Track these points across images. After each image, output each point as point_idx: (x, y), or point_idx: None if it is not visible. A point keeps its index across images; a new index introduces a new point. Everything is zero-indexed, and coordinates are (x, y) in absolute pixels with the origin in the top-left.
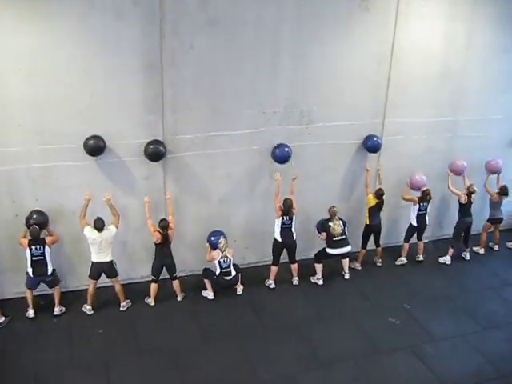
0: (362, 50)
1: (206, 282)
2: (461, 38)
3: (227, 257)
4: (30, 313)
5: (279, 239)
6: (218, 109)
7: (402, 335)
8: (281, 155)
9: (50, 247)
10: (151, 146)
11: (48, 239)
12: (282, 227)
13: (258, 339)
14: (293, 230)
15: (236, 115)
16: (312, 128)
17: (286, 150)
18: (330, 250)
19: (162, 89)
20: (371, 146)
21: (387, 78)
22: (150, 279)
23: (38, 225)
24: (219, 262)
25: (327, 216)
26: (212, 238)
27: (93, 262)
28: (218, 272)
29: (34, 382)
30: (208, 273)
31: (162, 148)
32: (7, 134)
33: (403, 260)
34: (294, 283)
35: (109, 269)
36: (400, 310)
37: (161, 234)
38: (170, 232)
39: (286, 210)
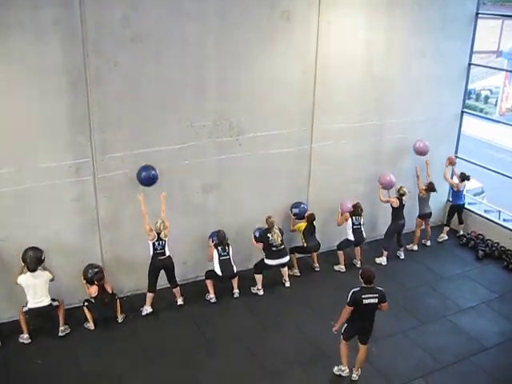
0: (287, 59)
1: (149, 296)
2: (381, 44)
3: (163, 240)
4: None
5: (219, 273)
6: (146, 125)
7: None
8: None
9: None
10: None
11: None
12: (219, 259)
13: (202, 354)
14: (232, 261)
15: (165, 131)
16: (242, 139)
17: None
18: (268, 261)
19: (89, 108)
20: (299, 212)
21: (313, 86)
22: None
23: None
24: (154, 243)
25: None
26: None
27: (30, 309)
28: (151, 253)
29: None
30: (152, 281)
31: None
32: None
33: (342, 268)
34: (234, 296)
35: (48, 310)
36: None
37: (97, 285)
38: (106, 286)
39: (220, 241)
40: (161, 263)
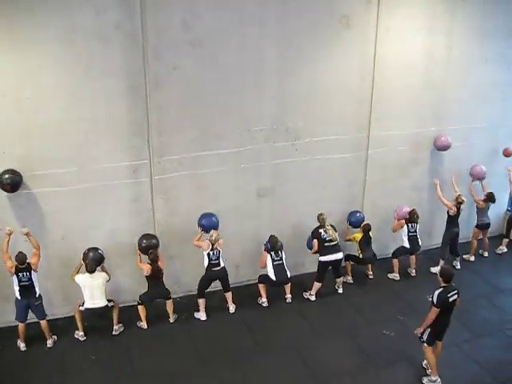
0: (345, 64)
1: (200, 302)
2: (441, 50)
3: (217, 249)
4: (22, 346)
5: (273, 278)
6: (204, 129)
7: (397, 347)
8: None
9: (36, 271)
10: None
11: (32, 262)
12: (273, 264)
13: (253, 358)
14: (285, 265)
15: (222, 134)
16: (299, 144)
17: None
18: (323, 258)
19: (147, 111)
20: (355, 221)
21: (370, 92)
22: (139, 302)
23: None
24: (208, 254)
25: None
26: (203, 221)
27: (86, 308)
28: (206, 263)
29: None
30: (202, 287)
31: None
32: None
33: (396, 276)
34: (287, 301)
35: (104, 311)
36: (394, 321)
37: (151, 265)
38: (159, 263)
39: (273, 246)
40: (215, 275)
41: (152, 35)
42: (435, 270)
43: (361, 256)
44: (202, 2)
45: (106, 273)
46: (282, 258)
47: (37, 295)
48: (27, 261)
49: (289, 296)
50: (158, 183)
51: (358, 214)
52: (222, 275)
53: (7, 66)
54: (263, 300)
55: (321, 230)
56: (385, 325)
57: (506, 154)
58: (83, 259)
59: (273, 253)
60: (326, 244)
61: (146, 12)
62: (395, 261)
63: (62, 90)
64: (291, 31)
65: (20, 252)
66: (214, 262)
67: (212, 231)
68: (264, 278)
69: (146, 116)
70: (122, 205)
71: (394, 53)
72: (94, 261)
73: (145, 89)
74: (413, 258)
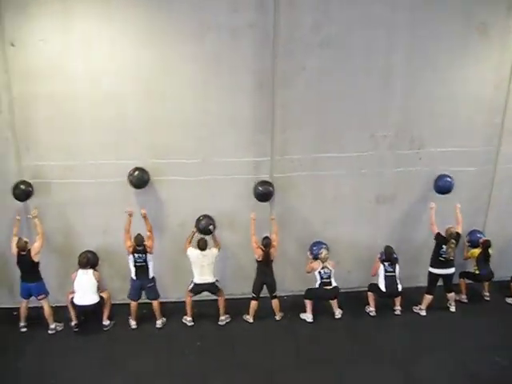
0: (478, 73)
1: (307, 303)
2: None
3: (327, 267)
4: (132, 324)
5: (383, 289)
6: (326, 130)
7: (510, 377)
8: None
9: (151, 253)
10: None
11: (148, 244)
12: (385, 275)
13: (353, 366)
14: (397, 278)
15: (344, 137)
16: (423, 153)
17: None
18: (433, 270)
19: (273, 109)
20: (475, 240)
21: (504, 103)
22: (251, 296)
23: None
24: (319, 272)
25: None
26: (314, 248)
27: (195, 283)
28: (318, 283)
29: None
30: (310, 293)
31: (271, 188)
32: (124, 147)
33: None
34: (395, 313)
35: (211, 288)
36: (509, 349)
37: (263, 251)
38: (272, 250)
39: (387, 257)
40: (325, 294)
41: (283, 35)
42: None
43: (477, 272)
44: (333, 4)
45: (216, 243)
46: (395, 270)
47: (150, 277)
48: (144, 243)
49: (398, 308)
50: (276, 181)
51: (479, 235)
52: (333, 296)
53: (143, 59)
54: (371, 309)
55: (443, 246)
56: (498, 351)
57: None
58: (195, 225)
59: (386, 263)
60: (441, 258)
61: (280, 12)
62: None
63: (192, 83)
64: (422, 37)
65: (139, 234)
66: (325, 280)
67: (322, 249)
68: (374, 288)
69: (272, 113)
70: (240, 199)
71: None
72: (204, 239)
73: (272, 86)
74: None
